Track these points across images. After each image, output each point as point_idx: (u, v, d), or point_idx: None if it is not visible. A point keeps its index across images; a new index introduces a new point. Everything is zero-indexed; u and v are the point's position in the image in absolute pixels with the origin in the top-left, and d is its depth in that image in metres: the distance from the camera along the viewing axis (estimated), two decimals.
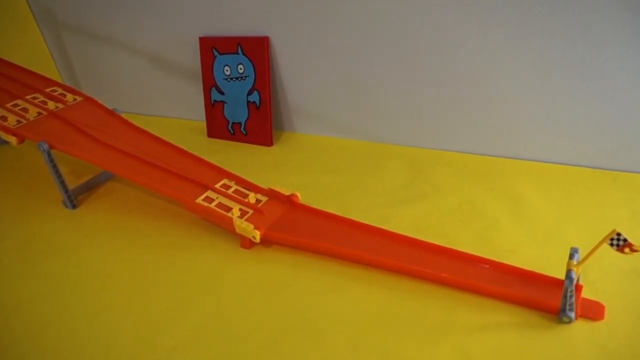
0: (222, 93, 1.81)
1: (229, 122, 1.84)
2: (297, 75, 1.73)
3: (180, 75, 1.96)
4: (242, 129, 1.81)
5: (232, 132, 1.84)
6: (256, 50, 1.69)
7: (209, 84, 1.82)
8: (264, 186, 1.44)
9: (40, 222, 1.51)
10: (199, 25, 1.79)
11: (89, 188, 1.67)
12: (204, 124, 1.92)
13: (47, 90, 1.70)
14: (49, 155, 1.49)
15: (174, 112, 2.08)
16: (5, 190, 1.70)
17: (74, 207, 1.57)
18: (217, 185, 1.44)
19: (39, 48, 2.24)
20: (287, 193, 1.39)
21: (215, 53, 1.78)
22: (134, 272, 1.27)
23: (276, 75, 1.74)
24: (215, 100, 1.84)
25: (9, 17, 2.14)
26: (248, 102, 1.76)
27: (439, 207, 1.40)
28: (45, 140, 1.47)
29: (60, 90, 1.72)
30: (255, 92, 1.74)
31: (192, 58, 1.86)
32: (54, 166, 1.51)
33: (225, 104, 1.82)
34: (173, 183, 1.42)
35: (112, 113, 1.65)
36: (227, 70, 1.77)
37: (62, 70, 2.29)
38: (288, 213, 1.36)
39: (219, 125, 1.86)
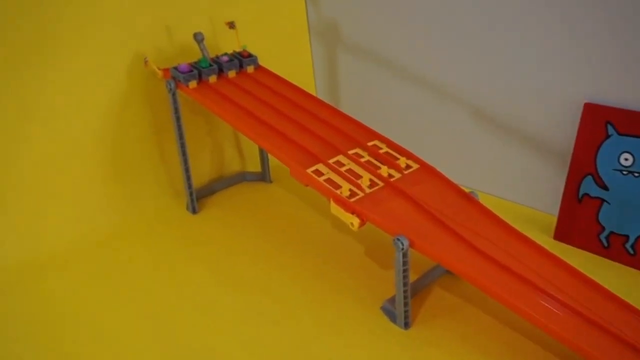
0: (604, 188, 1.26)
1: (603, 229, 1.27)
2: None
3: (528, 144, 1.43)
4: (628, 245, 1.23)
5: (605, 244, 1.28)
6: None
7: (583, 169, 1.27)
8: None
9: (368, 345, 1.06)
10: (588, 84, 1.26)
11: (413, 294, 1.16)
12: (552, 220, 1.37)
13: (369, 144, 1.27)
14: (405, 256, 1.03)
15: (498, 188, 1.54)
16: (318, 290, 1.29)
17: (406, 326, 1.12)
18: None
19: (304, 63, 1.89)
20: None
21: (611, 131, 1.23)
22: None
23: None
24: (586, 195, 1.29)
25: (285, 29, 1.82)
26: None
27: None
28: (403, 233, 1.05)
29: (385, 148, 1.26)
30: None
31: (560, 127, 1.33)
32: (406, 272, 1.03)
33: (604, 204, 1.26)
34: (587, 333, 0.89)
35: (468, 197, 1.17)
36: (626, 160, 1.22)
37: (321, 92, 1.92)
38: None
39: (582, 230, 1.30)
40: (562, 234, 1.34)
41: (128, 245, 1.41)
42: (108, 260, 1.36)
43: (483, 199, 1.16)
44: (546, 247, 1.08)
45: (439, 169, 1.22)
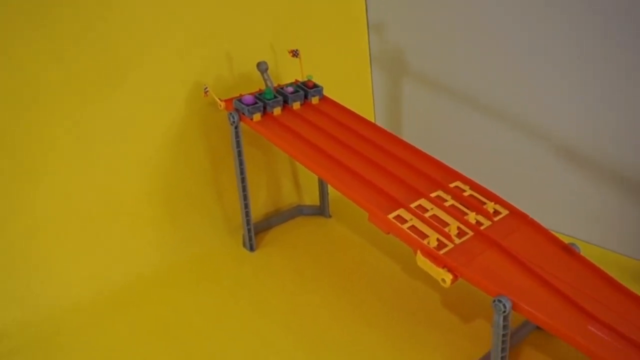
0: None
1: None
2: None
3: (614, 182, 1.31)
4: None
5: None
6: None
7: None
8: None
9: None
10: None
11: None
12: None
13: (451, 186, 1.17)
14: (506, 319, 0.91)
15: (583, 231, 1.40)
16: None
17: None
18: None
19: (364, 94, 1.80)
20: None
21: None
22: None
23: None
24: None
25: (345, 56, 1.75)
26: None
27: None
28: (505, 293, 0.93)
29: (468, 190, 1.15)
30: None
31: None
32: (505, 337, 0.91)
33: None
34: None
35: (567, 249, 1.03)
36: None
37: (380, 123, 1.81)
38: None
39: None
40: None
41: (179, 286, 1.33)
42: (161, 304, 1.28)
43: (584, 250, 1.05)
44: None
45: (530, 215, 1.11)
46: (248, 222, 1.44)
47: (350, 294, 1.28)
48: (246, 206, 1.43)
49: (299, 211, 1.64)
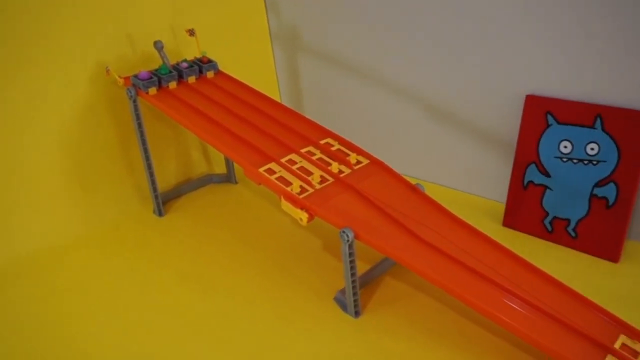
0: (546, 175, 1.32)
1: (547, 214, 1.34)
2: None
3: (475, 136, 1.50)
4: (569, 228, 1.30)
5: (549, 229, 1.34)
6: (630, 130, 1.18)
7: (527, 158, 1.34)
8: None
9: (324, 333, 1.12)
10: (529, 77, 1.32)
11: (364, 284, 1.25)
12: (499, 207, 1.44)
13: (322, 142, 1.33)
14: (351, 247, 1.08)
15: (451, 179, 1.61)
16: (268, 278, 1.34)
17: (357, 315, 1.17)
18: (616, 346, 0.94)
19: (267, 67, 1.93)
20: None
21: (551, 120, 1.29)
22: None
23: None
24: (531, 182, 1.35)
25: (247, 36, 1.87)
26: (593, 195, 1.25)
27: None
28: (349, 225, 1.09)
29: (337, 145, 1.31)
30: (612, 184, 1.22)
31: (505, 119, 1.40)
32: (352, 262, 1.09)
33: (547, 190, 1.32)
34: (529, 318, 0.94)
35: (414, 189, 1.22)
36: (565, 147, 1.28)
37: (285, 96, 1.97)
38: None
39: (528, 216, 1.36)
40: (510, 220, 1.40)
41: (95, 252, 1.45)
42: (75, 267, 1.39)
43: (436, 191, 1.22)
44: (495, 233, 1.15)
45: (391, 164, 1.27)
46: (155, 190, 1.56)
47: (246, 244, 1.43)
48: (151, 174, 1.55)
49: (208, 179, 1.77)
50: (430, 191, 1.23)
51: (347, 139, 1.32)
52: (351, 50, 1.71)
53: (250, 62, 1.88)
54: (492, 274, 1.02)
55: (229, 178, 1.76)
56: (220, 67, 1.57)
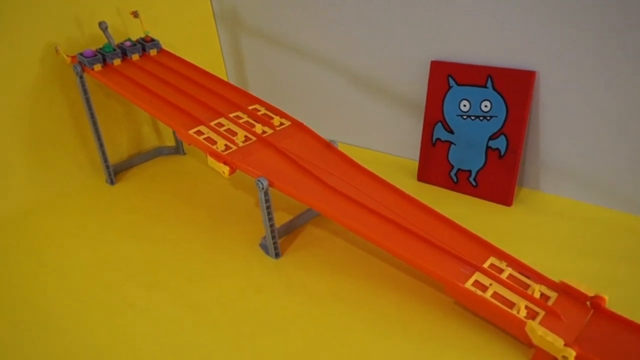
0: (450, 132, 1.49)
1: (452, 167, 1.50)
2: (562, 123, 1.36)
3: (391, 101, 1.66)
4: (471, 178, 1.47)
5: (454, 180, 1.51)
6: (515, 87, 1.34)
7: (434, 118, 1.50)
8: (552, 277, 1.06)
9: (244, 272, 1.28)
10: (433, 46, 1.48)
11: (288, 232, 1.42)
12: (414, 164, 1.60)
13: (250, 108, 1.48)
14: (266, 194, 1.24)
15: (373, 142, 1.78)
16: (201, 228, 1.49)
17: (277, 256, 1.34)
18: (485, 265, 1.13)
19: (213, 48, 2.07)
20: (589, 293, 1.01)
21: (452, 83, 1.45)
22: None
23: (531, 119, 1.38)
24: (438, 139, 1.51)
25: (190, 15, 1.99)
26: (488, 147, 1.42)
27: None
28: (264, 175, 1.24)
29: (263, 110, 1.47)
30: (502, 137, 1.39)
31: (415, 83, 1.56)
32: (269, 208, 1.24)
33: (452, 146, 1.49)
34: (419, 249, 1.10)
35: (328, 145, 1.38)
36: (464, 106, 1.45)
37: (231, 75, 2.11)
38: (593, 323, 0.99)
39: (437, 170, 1.52)
40: (423, 175, 1.57)
41: (48, 217, 1.58)
42: (29, 232, 1.51)
43: (361, 153, 1.36)
44: (411, 188, 1.31)
45: (314, 127, 1.42)
46: (105, 160, 1.70)
47: (188, 205, 1.58)
48: (101, 145, 1.68)
49: (159, 152, 1.91)
50: (355, 154, 1.38)
51: (283, 109, 1.47)
52: (290, 30, 1.85)
53: (196, 43, 2.01)
54: (389, 213, 1.18)
55: (177, 150, 1.90)
56: (167, 48, 1.70)
